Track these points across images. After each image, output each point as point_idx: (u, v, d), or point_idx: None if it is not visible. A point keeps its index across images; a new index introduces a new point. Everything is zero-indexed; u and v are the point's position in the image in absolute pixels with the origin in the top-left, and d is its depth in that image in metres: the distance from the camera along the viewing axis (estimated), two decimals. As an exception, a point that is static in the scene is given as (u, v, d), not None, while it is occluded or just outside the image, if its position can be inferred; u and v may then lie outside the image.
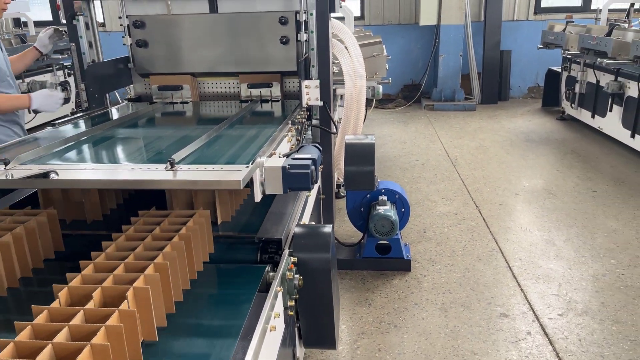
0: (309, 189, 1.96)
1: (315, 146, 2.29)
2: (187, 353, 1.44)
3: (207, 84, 3.47)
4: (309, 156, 1.99)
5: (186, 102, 3.36)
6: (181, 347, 1.47)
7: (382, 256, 3.59)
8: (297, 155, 2.03)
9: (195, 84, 3.42)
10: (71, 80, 7.63)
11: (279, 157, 2.00)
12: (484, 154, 6.23)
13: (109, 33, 8.79)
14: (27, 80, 6.56)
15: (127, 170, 1.85)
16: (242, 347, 1.45)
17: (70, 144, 2.25)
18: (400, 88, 9.54)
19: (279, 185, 1.91)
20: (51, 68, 7.26)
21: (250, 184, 1.85)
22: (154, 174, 1.75)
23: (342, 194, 4.88)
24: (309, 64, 3.10)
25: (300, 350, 2.33)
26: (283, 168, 1.89)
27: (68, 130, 2.56)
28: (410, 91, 9.44)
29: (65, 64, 7.56)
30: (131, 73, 3.46)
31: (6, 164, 1.87)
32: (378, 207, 3.47)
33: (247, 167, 1.80)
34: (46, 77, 7.05)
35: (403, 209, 3.65)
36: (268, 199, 2.34)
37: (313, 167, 1.94)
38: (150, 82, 3.39)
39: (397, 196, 3.63)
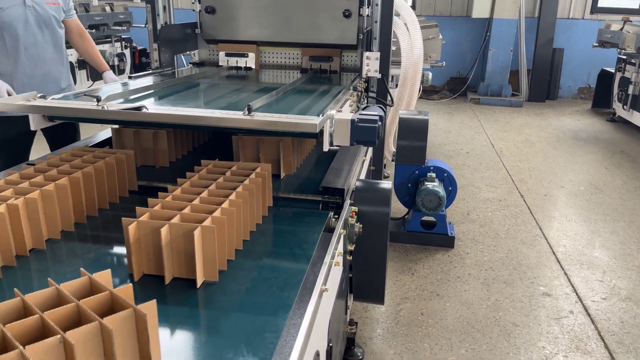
0: (374, 144, 2.06)
1: (380, 107, 2.40)
2: (263, 272, 1.57)
3: (269, 55, 3.59)
4: (375, 112, 2.10)
5: (250, 69, 3.50)
6: (257, 267, 1.60)
7: (427, 231, 3.66)
8: (364, 112, 2.14)
9: (258, 53, 3.56)
10: (127, 52, 7.93)
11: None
12: (530, 147, 6.19)
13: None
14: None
15: (208, 112, 1.98)
16: (312, 271, 1.57)
17: (151, 91, 2.42)
18: (447, 80, 9.51)
19: (346, 137, 2.02)
20: (110, 39, 7.56)
21: (319, 135, 1.97)
22: (235, 114, 1.88)
23: (386, 175, 4.96)
24: (371, 37, 3.19)
25: (350, 303, 2.45)
26: (352, 121, 1.99)
27: (146, 81, 2.73)
28: (457, 84, 9.40)
29: (123, 36, 7.85)
30: (197, 38, 3.63)
31: (98, 100, 2.04)
32: (426, 183, 3.54)
33: (319, 117, 1.91)
34: (105, 48, 7.33)
35: (450, 187, 3.70)
36: (325, 163, 2.46)
37: (380, 123, 2.04)
38: (218, 49, 3.54)
39: (445, 174, 3.69)
